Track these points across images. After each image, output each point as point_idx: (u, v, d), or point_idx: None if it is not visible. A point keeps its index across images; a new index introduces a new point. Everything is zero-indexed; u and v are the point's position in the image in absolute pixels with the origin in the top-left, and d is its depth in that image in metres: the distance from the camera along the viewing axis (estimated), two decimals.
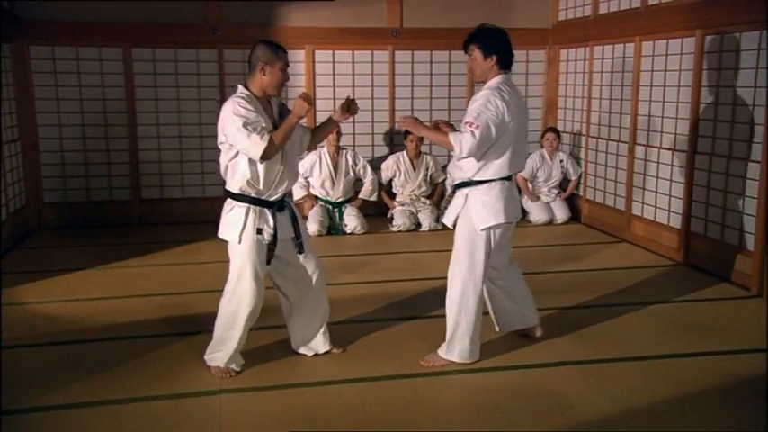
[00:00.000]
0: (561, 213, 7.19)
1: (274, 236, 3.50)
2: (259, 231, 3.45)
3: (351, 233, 6.72)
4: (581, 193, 7.27)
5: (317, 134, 3.81)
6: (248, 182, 3.41)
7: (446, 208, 3.80)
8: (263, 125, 3.35)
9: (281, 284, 3.72)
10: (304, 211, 6.70)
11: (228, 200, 3.51)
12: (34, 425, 3.15)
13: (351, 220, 6.75)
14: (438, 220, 6.62)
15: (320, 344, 3.82)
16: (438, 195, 7.10)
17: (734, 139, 5.06)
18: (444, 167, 7.06)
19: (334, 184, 6.83)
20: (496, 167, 3.54)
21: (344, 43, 7.28)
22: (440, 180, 7.16)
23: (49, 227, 6.91)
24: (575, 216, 7.29)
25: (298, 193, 6.74)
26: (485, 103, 3.44)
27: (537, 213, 7.16)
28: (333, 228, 6.77)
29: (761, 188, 4.78)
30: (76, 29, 6.74)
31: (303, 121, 3.49)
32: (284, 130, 3.39)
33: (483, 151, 3.48)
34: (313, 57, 7.26)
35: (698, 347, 3.95)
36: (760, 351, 3.85)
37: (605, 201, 6.83)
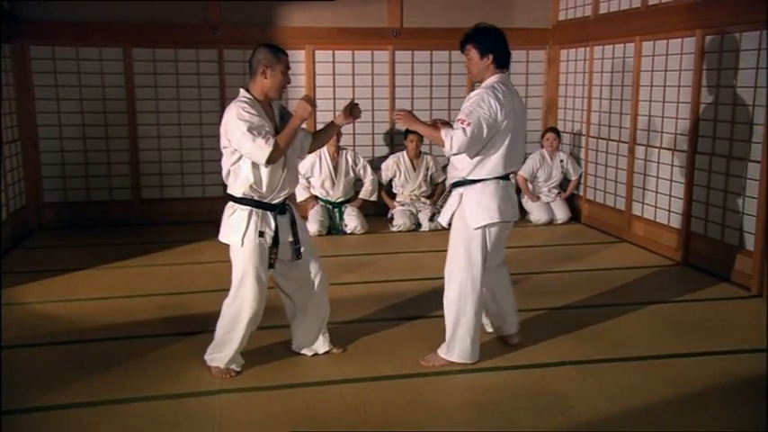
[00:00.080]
0: (561, 213, 7.19)
1: (276, 239, 3.50)
2: (261, 234, 3.45)
3: (351, 233, 6.72)
4: (581, 193, 7.27)
5: (319, 138, 3.80)
6: (251, 186, 3.41)
7: (442, 206, 3.80)
8: (267, 129, 3.35)
9: (284, 286, 3.73)
10: (306, 211, 6.70)
11: (230, 203, 3.50)
12: (34, 425, 3.15)
13: (351, 220, 6.75)
14: (432, 218, 6.62)
15: (320, 344, 3.82)
16: (438, 195, 7.10)
17: (734, 139, 5.06)
18: (444, 167, 7.05)
19: (334, 184, 6.83)
20: (491, 166, 3.54)
21: (345, 43, 7.28)
22: (440, 180, 7.16)
23: (49, 227, 6.91)
24: (575, 216, 7.30)
25: (301, 194, 6.74)
26: (478, 102, 3.44)
27: (537, 213, 7.17)
28: (333, 228, 6.77)
29: (761, 188, 4.78)
30: (77, 29, 6.74)
31: (304, 124, 3.49)
32: (288, 133, 3.39)
33: (474, 149, 3.48)
34: (313, 57, 7.26)
35: (698, 347, 3.95)
36: (760, 351, 3.85)
37: (605, 201, 6.83)
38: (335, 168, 6.83)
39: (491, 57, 3.54)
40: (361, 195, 7.00)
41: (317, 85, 7.27)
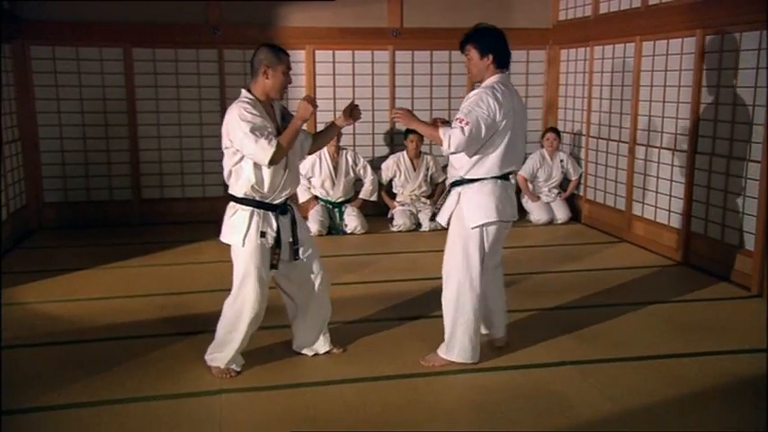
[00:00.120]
0: (561, 213, 7.20)
1: (278, 239, 3.50)
2: (263, 234, 3.45)
3: (351, 233, 6.72)
4: (581, 193, 7.27)
5: (319, 139, 3.80)
6: (253, 186, 3.41)
7: (442, 206, 3.80)
8: (270, 130, 3.35)
9: (285, 287, 3.73)
10: (307, 212, 6.70)
11: (231, 203, 3.50)
12: (34, 425, 3.15)
13: (351, 220, 6.75)
14: (433, 218, 6.62)
15: (321, 344, 3.82)
16: (438, 195, 7.10)
17: (734, 139, 5.06)
18: (444, 167, 7.05)
19: (334, 184, 6.84)
20: (488, 166, 3.54)
21: (345, 43, 7.28)
22: (440, 180, 7.16)
23: (49, 227, 6.92)
24: (575, 216, 7.30)
25: (303, 195, 6.74)
26: (477, 101, 3.45)
27: (537, 213, 7.17)
28: (333, 228, 6.77)
29: (761, 188, 4.78)
30: (77, 29, 6.74)
31: (304, 125, 3.49)
32: (290, 133, 3.39)
33: (472, 148, 3.48)
34: (313, 57, 7.26)
35: (698, 347, 3.95)
36: (760, 351, 3.85)
37: (605, 201, 6.83)
38: (335, 168, 6.83)
39: (491, 57, 3.55)
40: (362, 195, 7.00)
41: (317, 85, 7.27)
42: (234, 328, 3.54)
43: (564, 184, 7.38)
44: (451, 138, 3.40)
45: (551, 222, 7.16)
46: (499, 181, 3.58)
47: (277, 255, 3.53)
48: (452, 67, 7.50)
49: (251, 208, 3.44)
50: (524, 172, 7.14)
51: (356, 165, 6.91)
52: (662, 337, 4.12)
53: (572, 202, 7.35)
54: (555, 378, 3.57)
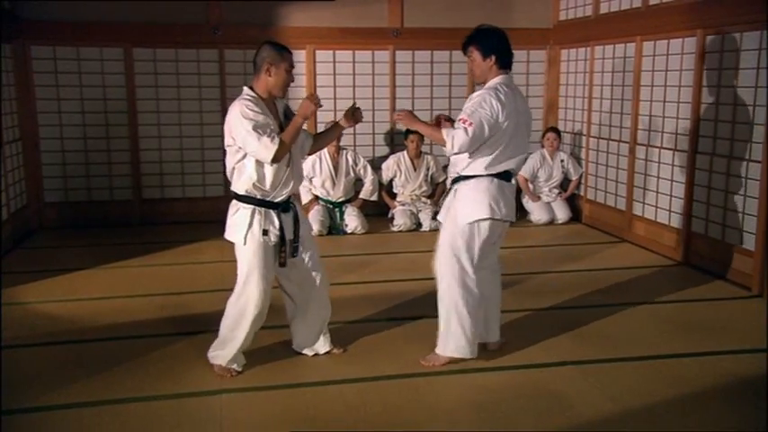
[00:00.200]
0: (562, 213, 7.19)
1: (282, 237, 3.50)
2: (265, 233, 3.45)
3: (351, 233, 6.72)
4: (582, 193, 7.27)
5: (320, 140, 3.81)
6: (254, 184, 3.41)
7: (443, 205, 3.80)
8: (272, 128, 3.35)
9: (285, 287, 3.73)
10: (308, 212, 6.70)
11: (234, 201, 3.51)
12: (34, 425, 3.16)
13: (351, 219, 6.75)
14: (434, 217, 6.62)
15: (321, 344, 3.82)
16: (438, 195, 7.10)
17: (735, 138, 5.06)
18: (445, 167, 7.05)
19: (334, 184, 6.84)
20: (485, 163, 3.53)
21: (345, 43, 7.28)
22: (440, 180, 7.16)
23: (50, 227, 6.92)
24: (575, 216, 7.29)
25: (305, 196, 6.75)
26: (480, 102, 3.45)
27: (538, 213, 7.16)
28: (333, 228, 6.77)
29: (761, 188, 4.78)
30: (77, 29, 6.74)
31: (304, 125, 3.49)
32: (291, 131, 3.39)
33: (475, 149, 3.48)
34: (314, 57, 7.26)
35: (698, 347, 3.95)
36: (760, 351, 3.85)
37: (606, 201, 6.83)
38: (336, 168, 6.83)
39: (494, 58, 3.55)
40: (362, 195, 7.00)
41: (317, 85, 7.26)
42: (237, 326, 3.54)
43: (564, 183, 7.38)
44: (455, 138, 3.40)
45: (552, 222, 7.16)
46: (495, 179, 3.56)
47: (284, 253, 3.52)
48: (453, 68, 7.50)
49: (252, 206, 3.44)
50: (525, 172, 7.14)
51: (356, 165, 6.92)
52: (662, 336, 4.12)
53: (572, 202, 7.35)
54: (555, 378, 3.57)
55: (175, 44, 6.96)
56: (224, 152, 3.52)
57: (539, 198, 7.27)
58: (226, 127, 3.42)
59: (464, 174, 3.58)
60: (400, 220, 6.83)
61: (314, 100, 3.38)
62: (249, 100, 3.38)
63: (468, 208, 3.55)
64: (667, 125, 5.83)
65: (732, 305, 4.70)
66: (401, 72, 7.46)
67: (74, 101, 6.87)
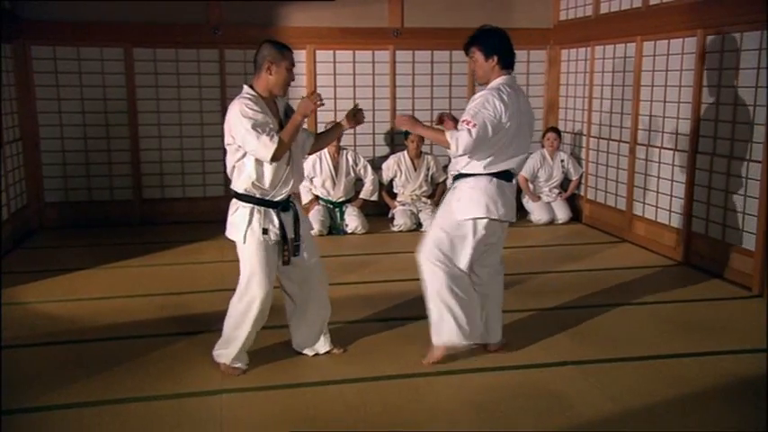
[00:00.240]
0: (562, 213, 7.19)
1: (284, 236, 3.50)
2: (265, 231, 3.45)
3: (352, 233, 6.72)
4: (582, 193, 7.27)
5: (321, 140, 3.81)
6: (253, 183, 3.42)
7: None
8: (272, 126, 3.35)
9: (285, 286, 3.73)
10: (308, 212, 6.70)
11: (234, 200, 3.51)
12: (34, 425, 3.16)
13: (352, 219, 6.75)
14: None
15: (321, 344, 3.82)
16: (439, 195, 7.10)
17: (735, 138, 5.06)
18: (445, 167, 7.05)
19: (334, 184, 6.84)
20: (485, 162, 3.53)
21: (345, 43, 7.28)
22: (441, 180, 7.15)
23: (50, 227, 6.92)
24: (576, 216, 7.29)
25: (305, 196, 6.75)
26: (483, 103, 3.44)
27: (538, 213, 7.16)
28: (334, 228, 6.77)
29: (762, 188, 4.78)
30: (77, 29, 6.74)
31: (304, 124, 3.49)
32: (290, 129, 3.39)
33: (478, 149, 3.48)
34: (314, 57, 7.26)
35: (698, 347, 3.95)
36: (760, 351, 3.85)
37: (606, 201, 6.83)
38: (336, 168, 6.83)
39: (496, 58, 3.55)
40: (362, 195, 7.00)
41: (317, 85, 7.26)
42: (239, 325, 3.54)
43: (565, 183, 7.38)
44: (459, 140, 3.40)
45: (552, 222, 7.16)
46: (495, 179, 3.56)
47: (287, 251, 3.53)
48: (453, 67, 7.50)
49: (251, 205, 3.45)
50: (525, 172, 7.14)
51: (356, 165, 6.92)
52: (662, 336, 4.12)
53: (573, 202, 7.35)
54: (555, 378, 3.57)
55: (175, 44, 6.97)
56: (224, 152, 3.53)
57: (539, 198, 7.27)
58: (226, 126, 3.42)
59: (464, 172, 3.59)
60: (400, 221, 6.83)
61: (314, 98, 3.38)
62: (249, 98, 3.38)
63: (465, 205, 3.55)
64: (667, 125, 5.83)
65: (732, 305, 4.70)
66: (401, 72, 7.46)
67: (74, 101, 6.87)
